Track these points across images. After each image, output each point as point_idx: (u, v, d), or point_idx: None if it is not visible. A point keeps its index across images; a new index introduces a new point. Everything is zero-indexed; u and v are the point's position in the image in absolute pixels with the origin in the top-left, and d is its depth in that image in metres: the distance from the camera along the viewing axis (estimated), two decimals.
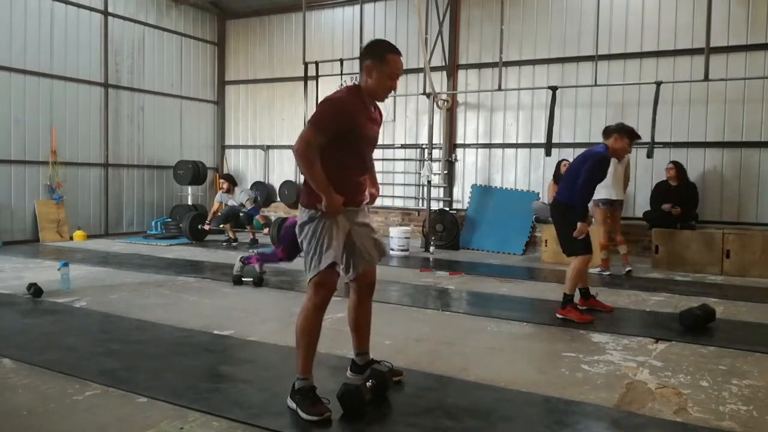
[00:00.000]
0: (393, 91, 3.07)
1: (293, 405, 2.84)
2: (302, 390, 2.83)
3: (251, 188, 11.34)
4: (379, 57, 2.92)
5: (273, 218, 12.08)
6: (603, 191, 7.14)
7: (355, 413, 2.83)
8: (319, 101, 2.90)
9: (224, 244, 9.68)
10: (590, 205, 7.19)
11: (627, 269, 7.28)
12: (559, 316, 4.83)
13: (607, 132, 7.40)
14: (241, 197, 9.52)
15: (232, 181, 9.71)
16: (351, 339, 3.27)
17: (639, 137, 5.17)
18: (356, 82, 3.02)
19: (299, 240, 2.97)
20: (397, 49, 3.00)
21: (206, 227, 9.73)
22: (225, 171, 12.53)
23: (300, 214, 2.97)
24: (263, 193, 11.69)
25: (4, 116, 9.03)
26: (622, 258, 7.42)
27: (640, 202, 8.60)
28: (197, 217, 10.00)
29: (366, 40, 9.91)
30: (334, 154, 2.86)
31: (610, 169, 7.09)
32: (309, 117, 2.89)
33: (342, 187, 2.88)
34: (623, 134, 5.06)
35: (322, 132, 2.80)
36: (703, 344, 4.13)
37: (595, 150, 5.08)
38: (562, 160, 8.59)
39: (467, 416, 2.85)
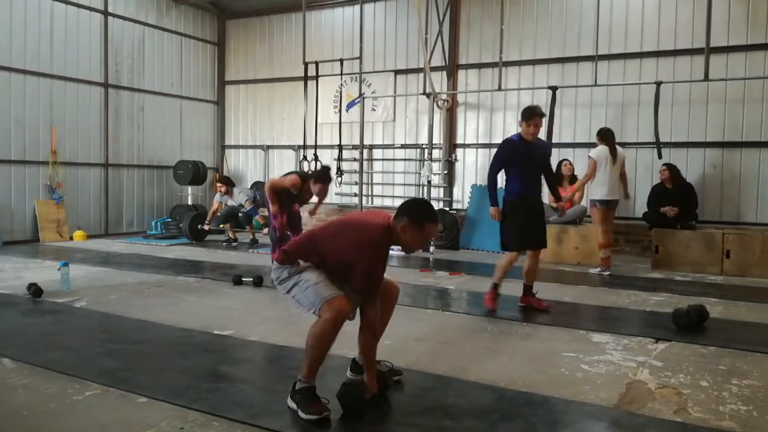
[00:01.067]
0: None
1: (293, 405, 2.84)
2: (302, 390, 2.83)
3: (251, 188, 11.34)
4: (418, 224, 2.93)
5: None
6: (599, 191, 7.15)
7: (355, 413, 2.83)
8: (358, 242, 2.93)
9: (224, 244, 9.68)
10: (587, 204, 7.29)
11: (603, 271, 7.21)
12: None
13: (599, 132, 7.46)
14: (239, 198, 9.52)
15: (229, 183, 9.72)
16: (357, 338, 3.25)
17: (538, 115, 4.94)
18: (390, 223, 2.98)
19: (285, 293, 3.03)
20: (436, 217, 3.03)
21: (206, 227, 9.73)
22: (225, 171, 12.54)
23: (278, 273, 3.05)
24: (263, 193, 11.68)
25: (4, 116, 9.03)
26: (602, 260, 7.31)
27: (640, 203, 8.59)
28: (197, 217, 10.00)
29: (366, 40, 10.10)
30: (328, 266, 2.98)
31: (606, 169, 7.15)
32: (362, 277, 2.90)
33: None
34: (521, 119, 5.02)
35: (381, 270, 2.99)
36: (703, 344, 4.13)
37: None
38: (563, 160, 8.60)
39: (467, 416, 2.85)
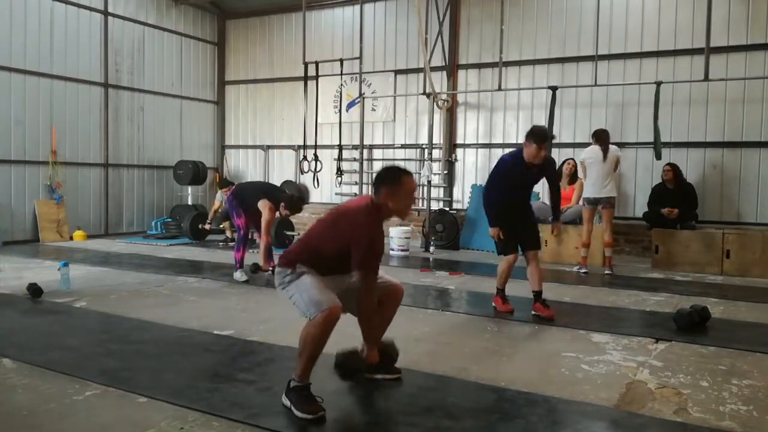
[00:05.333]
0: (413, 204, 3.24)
1: (288, 403, 2.85)
2: (297, 388, 2.84)
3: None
4: (396, 183, 3.04)
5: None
6: (586, 190, 7.37)
7: (352, 377, 3.16)
8: (351, 223, 3.02)
9: (221, 244, 9.63)
10: (579, 203, 7.53)
11: (606, 271, 7.20)
12: (492, 304, 5.14)
13: (593, 133, 7.55)
14: None
15: (227, 185, 9.66)
16: (360, 337, 3.30)
17: (545, 139, 4.73)
18: (371, 198, 3.09)
19: (288, 298, 3.02)
20: (406, 170, 3.14)
21: (207, 227, 9.75)
22: (225, 171, 12.54)
23: (280, 277, 3.06)
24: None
25: (4, 116, 9.02)
26: (606, 260, 7.30)
27: (640, 203, 8.59)
28: (198, 217, 10.01)
29: (366, 40, 10.10)
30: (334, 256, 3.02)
31: (594, 168, 7.19)
32: (363, 252, 2.96)
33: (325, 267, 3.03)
34: (529, 139, 4.69)
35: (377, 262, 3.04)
36: (703, 344, 4.13)
37: (502, 156, 5.00)
38: (566, 159, 8.60)
39: (467, 416, 2.85)
